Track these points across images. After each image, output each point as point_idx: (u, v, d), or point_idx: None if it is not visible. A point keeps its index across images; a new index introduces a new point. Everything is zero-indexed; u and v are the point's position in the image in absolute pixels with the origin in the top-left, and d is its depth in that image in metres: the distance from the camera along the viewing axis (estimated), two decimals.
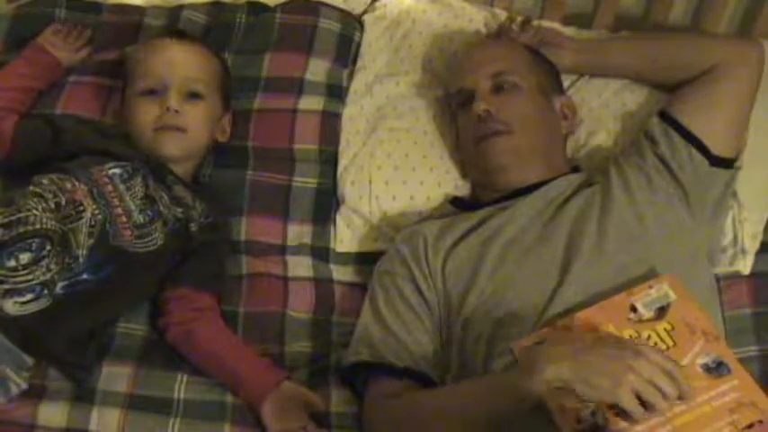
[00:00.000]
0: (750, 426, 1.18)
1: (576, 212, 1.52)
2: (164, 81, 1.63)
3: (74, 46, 1.83)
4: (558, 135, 1.68)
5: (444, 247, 1.56)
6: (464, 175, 1.75)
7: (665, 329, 1.27)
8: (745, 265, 1.68)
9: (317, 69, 1.84)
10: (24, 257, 1.43)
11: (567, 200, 1.55)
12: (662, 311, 1.28)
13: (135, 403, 1.50)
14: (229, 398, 1.53)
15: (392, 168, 1.74)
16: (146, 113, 1.63)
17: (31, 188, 1.51)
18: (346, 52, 1.88)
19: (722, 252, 1.67)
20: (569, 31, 1.87)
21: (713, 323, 1.31)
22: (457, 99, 1.68)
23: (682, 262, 1.46)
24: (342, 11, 1.92)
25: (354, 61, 1.88)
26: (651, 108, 1.73)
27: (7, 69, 1.76)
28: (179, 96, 1.63)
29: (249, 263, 1.71)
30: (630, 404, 1.14)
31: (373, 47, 1.88)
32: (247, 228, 1.73)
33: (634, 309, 1.29)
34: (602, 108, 1.78)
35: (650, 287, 1.30)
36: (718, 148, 1.57)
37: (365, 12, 1.93)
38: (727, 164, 1.59)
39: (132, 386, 1.52)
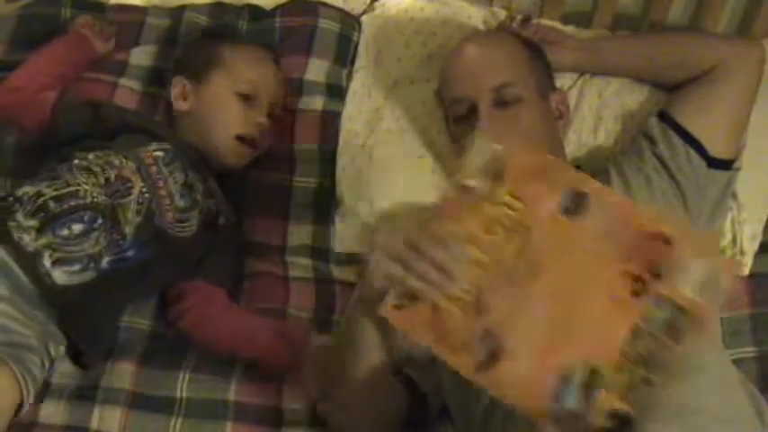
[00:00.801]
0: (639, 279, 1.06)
1: None
2: (262, 94, 1.69)
3: (104, 36, 1.85)
4: (557, 138, 1.66)
5: None
6: None
7: (507, 194, 1.11)
8: (745, 266, 1.67)
9: (317, 69, 1.85)
10: (77, 228, 1.49)
11: None
12: (497, 175, 1.12)
13: (137, 401, 1.53)
14: (231, 396, 1.55)
15: (389, 170, 1.74)
16: (238, 117, 1.68)
17: (77, 162, 1.56)
18: (346, 52, 1.88)
19: (721, 253, 1.66)
20: (568, 29, 1.86)
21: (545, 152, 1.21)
22: (455, 109, 1.61)
23: None
24: (341, 11, 1.92)
25: (353, 61, 1.88)
26: (651, 108, 1.72)
27: (52, 54, 1.77)
28: (268, 113, 1.70)
29: (250, 263, 1.73)
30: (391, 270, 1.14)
31: (371, 47, 1.87)
32: (248, 228, 1.75)
33: (466, 189, 1.12)
34: (603, 108, 1.76)
35: (468, 152, 1.13)
36: (716, 150, 1.56)
37: (364, 12, 1.93)
38: (725, 165, 1.58)
39: (134, 384, 1.55)
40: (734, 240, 1.67)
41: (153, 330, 1.64)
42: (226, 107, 1.68)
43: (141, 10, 1.94)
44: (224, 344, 1.58)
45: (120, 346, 1.60)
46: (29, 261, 1.45)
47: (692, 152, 1.55)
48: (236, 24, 1.92)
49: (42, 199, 1.50)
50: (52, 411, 1.50)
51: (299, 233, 1.75)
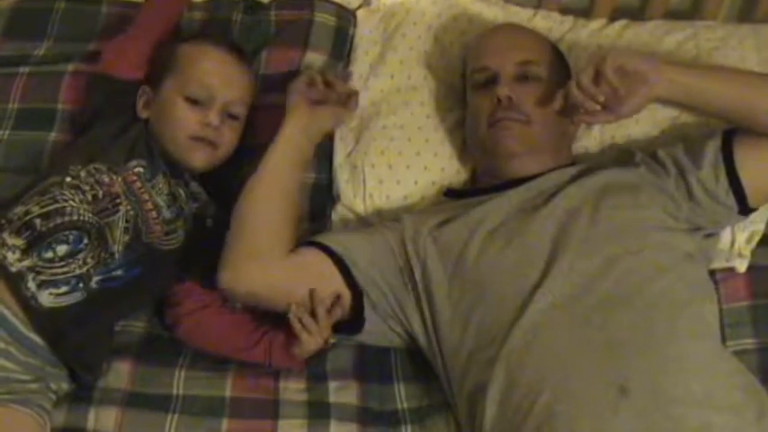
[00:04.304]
0: None
1: (569, 203, 1.50)
2: (212, 95, 1.64)
3: None
4: (565, 135, 1.65)
5: (429, 227, 1.56)
6: (463, 162, 1.74)
7: None
8: (742, 265, 1.66)
9: (314, 64, 1.83)
10: (62, 249, 1.47)
11: (559, 190, 1.53)
12: None
13: (133, 400, 1.53)
14: (227, 391, 1.55)
15: (386, 167, 1.73)
16: (186, 119, 1.63)
17: (69, 180, 1.54)
18: (342, 46, 1.87)
19: (719, 251, 1.64)
20: (567, 20, 1.85)
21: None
22: (477, 77, 1.64)
23: (675, 259, 1.45)
24: (337, 4, 1.91)
25: (349, 56, 1.87)
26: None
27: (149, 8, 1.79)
28: (221, 114, 1.64)
29: None
30: None
31: (367, 39, 1.86)
32: None
33: None
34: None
35: None
36: (755, 202, 1.52)
37: (360, 6, 1.92)
38: (753, 210, 1.54)
39: (130, 383, 1.55)
40: (732, 243, 1.65)
41: (148, 332, 1.64)
42: (175, 111, 1.64)
43: (137, 6, 1.91)
44: (220, 351, 1.59)
45: (116, 346, 1.59)
46: (13, 282, 1.44)
47: (732, 200, 1.51)
48: (230, 17, 1.90)
49: (29, 217, 1.48)
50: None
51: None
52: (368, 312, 1.54)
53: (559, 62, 1.68)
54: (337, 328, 1.55)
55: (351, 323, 1.56)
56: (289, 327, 1.52)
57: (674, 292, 1.39)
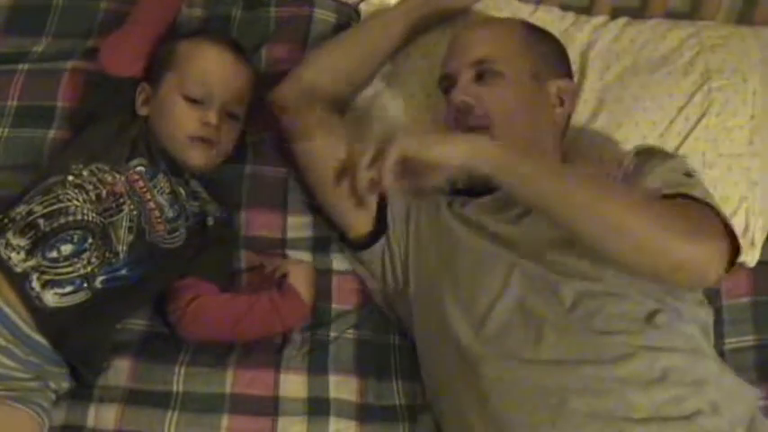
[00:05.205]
0: None
1: None
2: (211, 95, 1.62)
3: None
4: (547, 123, 1.58)
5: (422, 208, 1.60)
6: None
7: None
8: (753, 257, 1.64)
9: None
10: (66, 249, 1.46)
11: None
12: None
13: (133, 397, 1.52)
14: (228, 388, 1.55)
15: None
16: (185, 118, 1.62)
17: (71, 179, 1.53)
18: None
19: None
20: (569, 16, 1.85)
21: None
22: (443, 84, 1.62)
23: None
24: (337, 1, 1.90)
25: None
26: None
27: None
28: (221, 113, 1.63)
29: (250, 257, 1.71)
30: None
31: None
32: (246, 222, 1.73)
33: None
34: (605, 91, 1.72)
35: None
36: None
37: (361, 0, 1.91)
38: None
39: (130, 380, 1.54)
40: (746, 229, 1.63)
41: (148, 329, 1.63)
42: (174, 109, 1.63)
43: (135, 2, 1.89)
44: (223, 328, 1.58)
45: (116, 344, 1.58)
46: (17, 282, 1.43)
47: None
48: (230, 13, 1.90)
49: (32, 217, 1.47)
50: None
51: (299, 225, 1.73)
52: (377, 248, 1.60)
53: (536, 46, 1.59)
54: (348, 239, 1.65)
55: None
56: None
57: (637, 309, 1.34)
